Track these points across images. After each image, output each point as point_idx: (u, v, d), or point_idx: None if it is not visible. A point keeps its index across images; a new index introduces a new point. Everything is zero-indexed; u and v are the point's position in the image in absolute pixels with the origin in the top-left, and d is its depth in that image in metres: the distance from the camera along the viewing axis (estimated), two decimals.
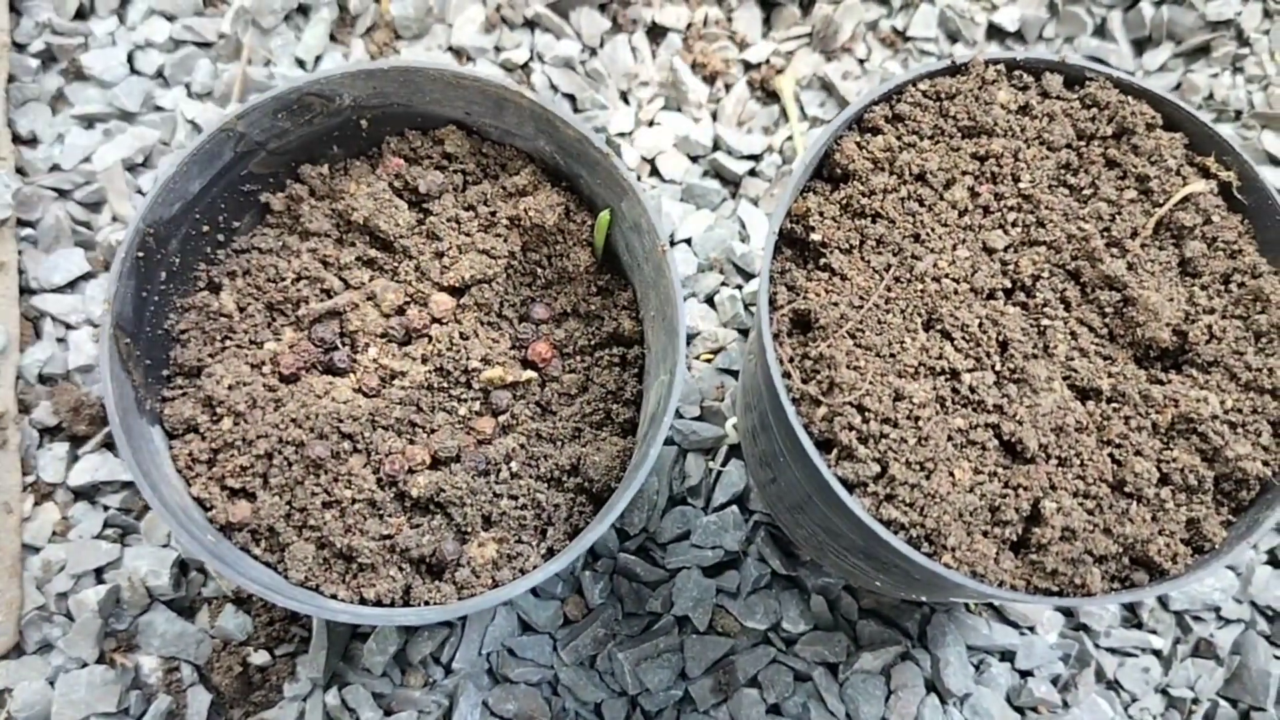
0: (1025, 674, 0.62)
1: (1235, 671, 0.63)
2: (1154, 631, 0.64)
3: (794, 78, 0.73)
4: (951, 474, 0.45)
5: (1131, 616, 0.64)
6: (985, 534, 0.45)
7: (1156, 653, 0.63)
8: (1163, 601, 0.64)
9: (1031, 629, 0.63)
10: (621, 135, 0.71)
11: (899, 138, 0.50)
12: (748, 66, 0.74)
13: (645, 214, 0.50)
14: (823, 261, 0.49)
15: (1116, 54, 0.75)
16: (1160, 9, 0.75)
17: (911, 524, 0.44)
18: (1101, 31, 0.76)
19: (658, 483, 0.63)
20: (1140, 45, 0.76)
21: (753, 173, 0.71)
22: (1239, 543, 0.46)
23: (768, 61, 0.73)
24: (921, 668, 0.61)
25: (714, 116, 0.72)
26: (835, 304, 0.47)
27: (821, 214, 0.49)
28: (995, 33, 0.76)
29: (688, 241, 0.69)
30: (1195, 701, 0.63)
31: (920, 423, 0.45)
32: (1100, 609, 0.63)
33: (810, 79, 0.73)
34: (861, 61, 0.74)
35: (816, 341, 0.47)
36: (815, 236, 0.49)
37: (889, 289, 0.48)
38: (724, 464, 0.64)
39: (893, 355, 0.47)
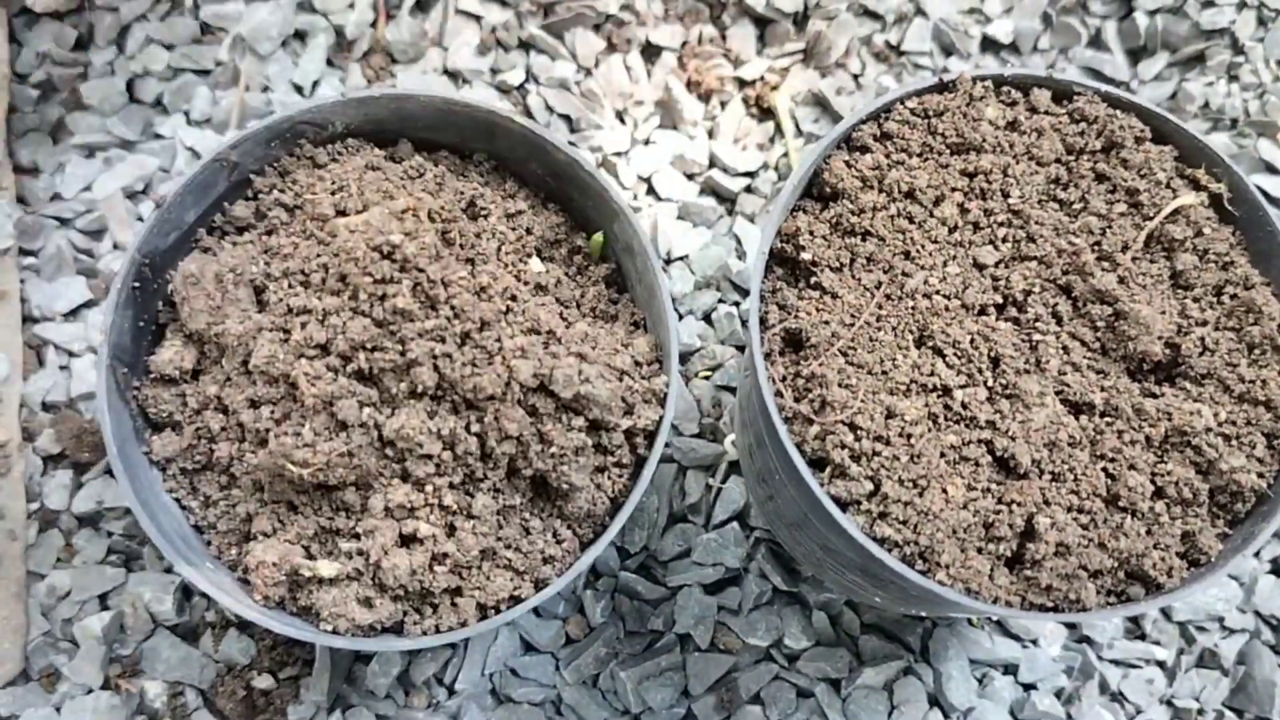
0: (1028, 687, 0.62)
1: (1240, 682, 0.63)
2: (1158, 643, 0.63)
3: (788, 94, 0.73)
4: (945, 491, 0.45)
5: (1135, 628, 0.64)
6: (979, 550, 0.45)
7: (1160, 664, 0.63)
8: (1166, 612, 0.64)
9: (1034, 642, 0.63)
10: (618, 155, 0.71)
11: (888, 155, 0.50)
12: (742, 84, 0.74)
13: (636, 236, 0.51)
14: (814, 280, 0.49)
15: (1111, 64, 0.75)
16: (1155, 18, 0.75)
17: (905, 541, 0.44)
18: (1096, 42, 0.76)
19: (658, 501, 0.63)
20: (1135, 55, 0.76)
21: (749, 189, 0.71)
22: (1234, 555, 0.46)
23: (762, 78, 0.74)
24: (924, 682, 0.61)
25: (710, 134, 0.73)
26: (826, 322, 0.48)
27: (811, 233, 0.49)
28: (989, 45, 0.76)
29: (684, 259, 0.69)
30: (1200, 713, 0.63)
31: (913, 440, 0.45)
32: (1102, 621, 0.63)
33: (805, 95, 0.73)
34: (855, 77, 0.74)
35: (808, 360, 0.47)
36: (806, 255, 0.49)
37: (880, 307, 0.48)
38: (724, 481, 0.64)
39: (884, 373, 0.47)
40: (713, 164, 0.71)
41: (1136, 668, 0.63)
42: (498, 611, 0.47)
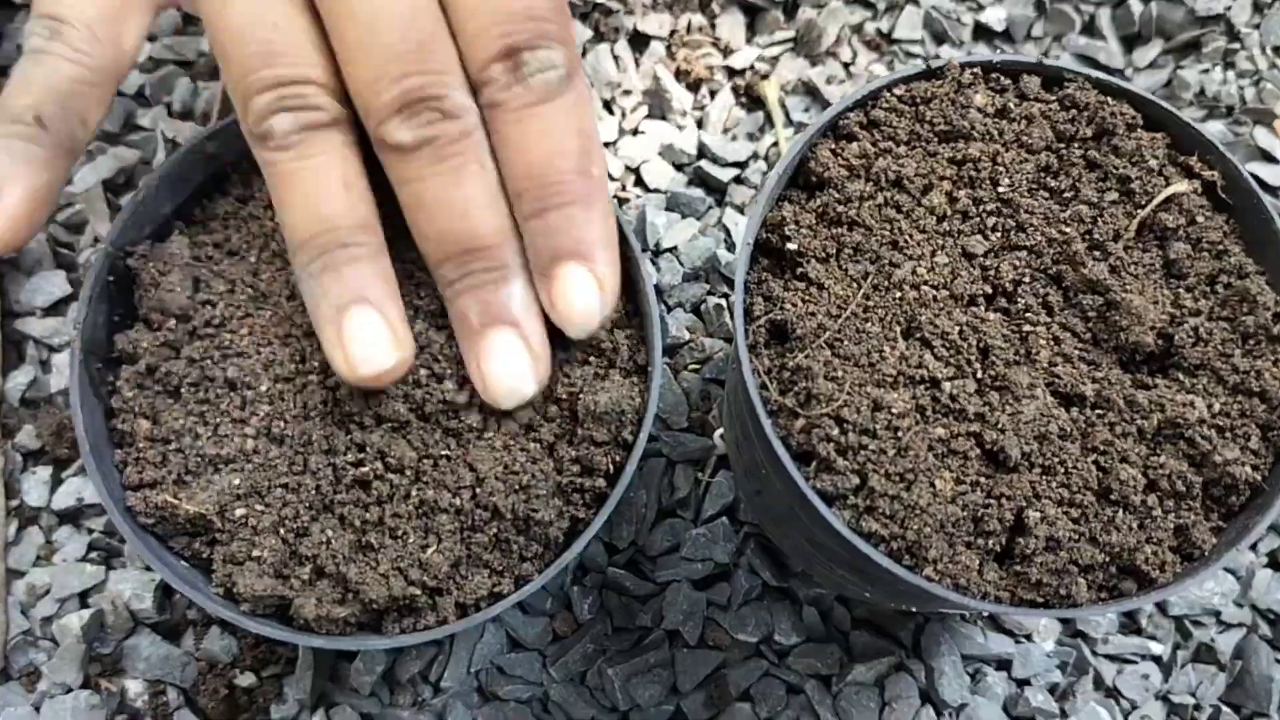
0: (1022, 683, 0.61)
1: (1237, 677, 0.62)
2: (1153, 637, 0.63)
3: (778, 83, 0.72)
4: (932, 485, 0.44)
5: (1130, 622, 0.63)
6: (968, 545, 0.44)
7: (1156, 659, 0.62)
8: (1161, 607, 0.63)
9: (1028, 637, 0.62)
10: (606, 145, 0.70)
11: (875, 144, 0.50)
12: (732, 73, 0.73)
13: (619, 227, 0.50)
14: (799, 271, 0.48)
15: (1106, 51, 0.74)
16: (1149, 5, 0.74)
17: (892, 536, 0.43)
18: (1090, 29, 0.75)
19: (646, 496, 0.62)
20: (1130, 42, 0.75)
21: (738, 180, 0.70)
22: (1229, 549, 0.45)
23: (752, 68, 0.73)
24: (916, 678, 0.61)
25: (699, 124, 0.72)
26: (813, 314, 0.47)
27: (797, 223, 0.48)
28: (982, 33, 0.75)
29: (673, 250, 0.68)
30: (1197, 708, 0.62)
31: (900, 433, 0.44)
32: (1094, 617, 0.62)
33: (795, 84, 0.73)
34: (846, 65, 0.74)
35: (794, 352, 0.46)
36: (791, 246, 0.48)
37: (867, 298, 0.47)
38: (713, 475, 0.63)
39: (871, 365, 0.46)
40: (702, 154, 0.71)
41: (1132, 663, 0.62)
42: (478, 609, 0.46)
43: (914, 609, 0.59)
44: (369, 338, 0.42)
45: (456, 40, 0.42)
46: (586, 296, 0.43)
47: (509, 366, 0.43)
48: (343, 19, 0.42)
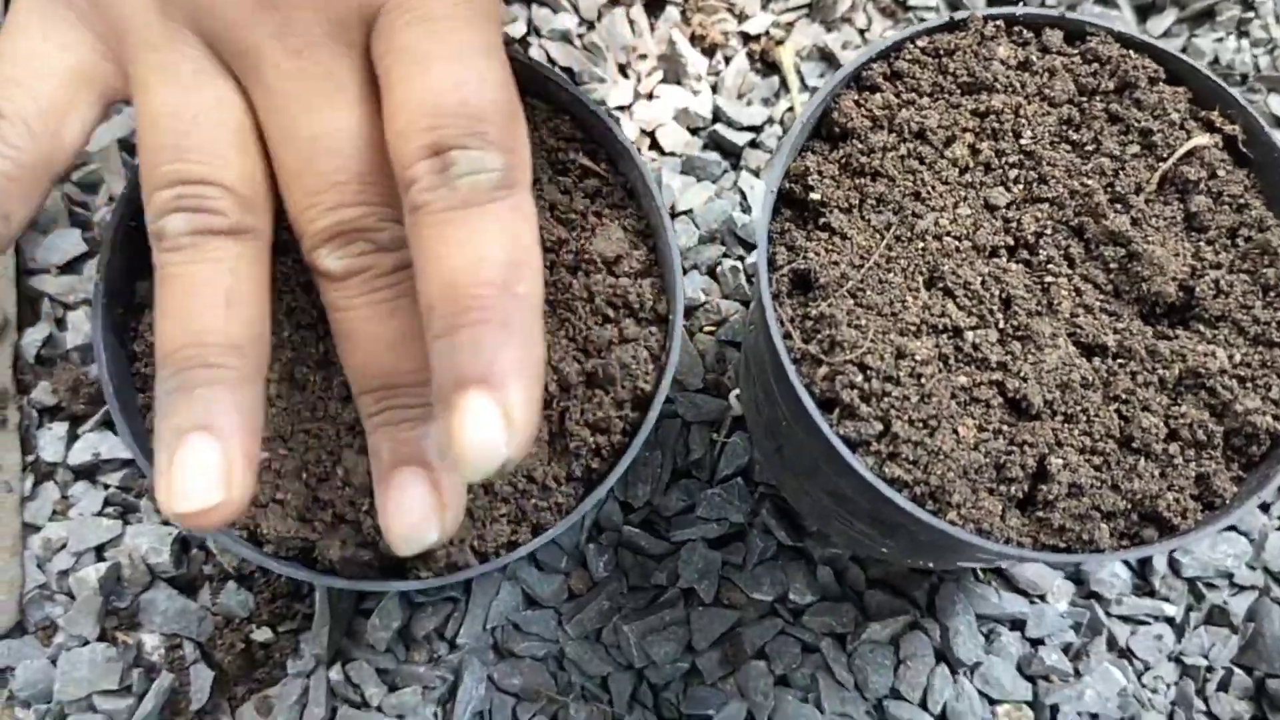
0: (1036, 643, 0.61)
1: (1250, 639, 0.62)
2: (1166, 599, 0.63)
3: (794, 49, 0.72)
4: (955, 431, 0.44)
5: (1143, 584, 0.63)
6: (990, 491, 0.44)
7: (1169, 620, 0.63)
8: (1175, 568, 0.63)
9: (1042, 597, 0.62)
10: (621, 109, 0.70)
11: (898, 95, 0.50)
12: (747, 38, 0.73)
13: (642, 176, 0.50)
14: (822, 221, 0.48)
15: (1120, 20, 0.74)
16: None
17: (915, 482, 0.43)
18: None
19: (661, 456, 0.62)
20: (1144, 11, 0.76)
21: (754, 144, 0.70)
22: (1250, 498, 0.45)
23: (767, 33, 0.73)
24: (931, 637, 0.61)
25: (714, 89, 0.72)
26: (836, 263, 0.47)
27: (820, 173, 0.49)
28: (996, 1, 0.75)
29: (688, 213, 0.68)
30: (1209, 669, 0.62)
31: (923, 380, 0.45)
32: (1111, 576, 0.62)
33: (810, 50, 0.73)
34: (862, 32, 0.74)
35: (817, 301, 0.46)
36: (814, 196, 0.48)
37: (890, 248, 0.47)
38: (728, 436, 0.63)
39: (894, 314, 0.46)
40: (717, 118, 0.71)
41: (1145, 624, 0.62)
42: (498, 556, 0.47)
43: (931, 565, 0.59)
44: (198, 468, 0.36)
45: (388, 146, 0.38)
46: (487, 431, 0.34)
47: (409, 512, 0.39)
48: (281, 140, 0.39)
